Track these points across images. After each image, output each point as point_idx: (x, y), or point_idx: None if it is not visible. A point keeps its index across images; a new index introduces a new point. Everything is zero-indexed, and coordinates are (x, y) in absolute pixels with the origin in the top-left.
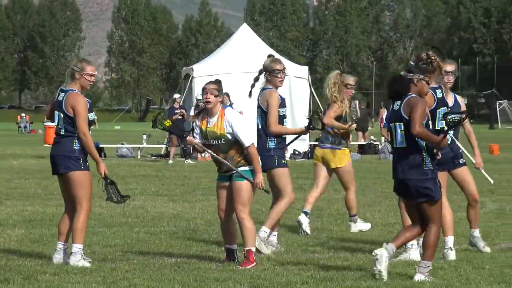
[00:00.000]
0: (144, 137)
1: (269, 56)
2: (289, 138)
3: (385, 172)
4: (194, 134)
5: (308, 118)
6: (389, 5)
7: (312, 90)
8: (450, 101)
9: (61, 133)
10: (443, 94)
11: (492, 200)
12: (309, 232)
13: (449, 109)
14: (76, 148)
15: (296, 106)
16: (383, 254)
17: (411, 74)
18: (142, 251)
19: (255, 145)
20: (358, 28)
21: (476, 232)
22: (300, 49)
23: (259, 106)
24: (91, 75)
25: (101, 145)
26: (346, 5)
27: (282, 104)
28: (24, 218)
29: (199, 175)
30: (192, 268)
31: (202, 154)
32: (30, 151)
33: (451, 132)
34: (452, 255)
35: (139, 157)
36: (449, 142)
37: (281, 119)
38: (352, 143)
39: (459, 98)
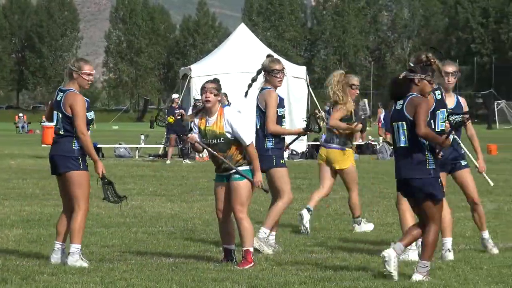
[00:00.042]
0: (142, 137)
1: (268, 56)
2: (288, 138)
3: (383, 172)
4: (193, 134)
5: (306, 120)
6: (387, 5)
7: (310, 90)
8: (452, 102)
9: (60, 133)
10: (442, 96)
11: (490, 200)
12: (308, 228)
13: (450, 110)
14: (75, 148)
15: (294, 106)
16: (391, 255)
17: (413, 74)
18: (140, 251)
19: (254, 144)
20: (356, 28)
21: (485, 234)
22: (298, 49)
23: (257, 106)
24: (89, 74)
25: (99, 145)
26: (344, 5)
27: (281, 104)
28: (22, 218)
29: (197, 175)
30: (190, 268)
31: (200, 154)
32: (28, 151)
33: (455, 136)
34: (450, 257)
35: (137, 157)
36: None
37: (280, 119)
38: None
39: (461, 99)
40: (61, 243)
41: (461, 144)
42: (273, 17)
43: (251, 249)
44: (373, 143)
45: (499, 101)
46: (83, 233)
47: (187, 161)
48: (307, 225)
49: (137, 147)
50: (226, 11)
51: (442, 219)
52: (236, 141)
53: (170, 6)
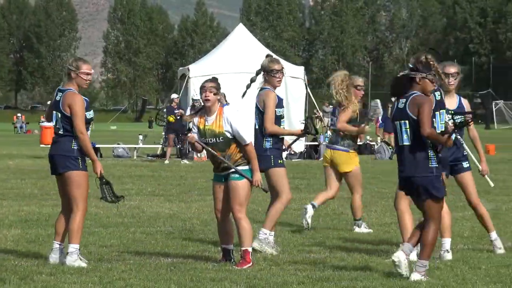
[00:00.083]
0: (140, 137)
1: (267, 56)
2: (289, 138)
3: (381, 172)
4: (193, 134)
5: (303, 123)
6: (385, 5)
7: (308, 90)
8: (454, 103)
9: (60, 132)
10: (441, 97)
11: (488, 200)
12: (309, 222)
13: (451, 112)
14: (74, 147)
15: (292, 106)
16: (401, 258)
17: (414, 73)
18: (138, 251)
19: (253, 144)
20: (354, 28)
21: (492, 235)
22: (296, 49)
23: (256, 106)
24: (87, 74)
25: (97, 145)
26: (342, 5)
27: (280, 104)
28: (20, 218)
29: (195, 175)
30: (188, 268)
31: (198, 154)
32: (26, 151)
33: (459, 136)
34: (448, 257)
35: (135, 157)
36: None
37: (278, 119)
38: None
39: (464, 100)
40: (59, 243)
41: (465, 145)
42: (271, 17)
43: (250, 249)
44: (371, 143)
45: (497, 101)
46: (82, 233)
47: (185, 161)
48: (309, 220)
49: (135, 147)
50: (224, 11)
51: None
52: (235, 141)
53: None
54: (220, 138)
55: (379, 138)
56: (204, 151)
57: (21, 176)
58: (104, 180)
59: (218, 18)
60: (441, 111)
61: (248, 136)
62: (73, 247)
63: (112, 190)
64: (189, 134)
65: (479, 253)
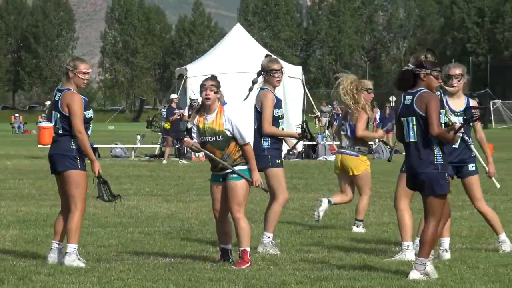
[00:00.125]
0: (138, 137)
1: (267, 56)
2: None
3: (379, 172)
4: (192, 134)
5: (299, 127)
6: (383, 5)
7: (306, 90)
8: (462, 104)
9: (59, 132)
10: (441, 97)
11: (486, 200)
12: (321, 215)
13: (458, 113)
14: (73, 147)
15: (290, 106)
16: (427, 269)
17: (418, 69)
18: (136, 251)
19: (252, 144)
20: (351, 28)
21: (501, 237)
22: (293, 49)
23: (255, 107)
24: (84, 73)
25: (95, 145)
26: (340, 5)
27: (278, 105)
28: (18, 218)
29: (193, 175)
30: (186, 268)
31: (197, 154)
32: (24, 152)
33: (466, 137)
34: (447, 256)
35: (133, 157)
36: (456, 146)
37: (277, 120)
38: None
39: (472, 102)
40: (58, 242)
41: (472, 147)
42: (269, 17)
43: (248, 249)
44: (369, 142)
45: (495, 101)
46: (80, 233)
47: (183, 161)
48: (321, 213)
49: (133, 147)
50: (221, 11)
51: None
52: (235, 139)
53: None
54: (220, 136)
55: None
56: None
57: (19, 176)
58: (101, 180)
59: (216, 18)
60: (441, 110)
61: (247, 136)
62: (72, 247)
63: (109, 190)
64: (185, 139)
65: (477, 252)
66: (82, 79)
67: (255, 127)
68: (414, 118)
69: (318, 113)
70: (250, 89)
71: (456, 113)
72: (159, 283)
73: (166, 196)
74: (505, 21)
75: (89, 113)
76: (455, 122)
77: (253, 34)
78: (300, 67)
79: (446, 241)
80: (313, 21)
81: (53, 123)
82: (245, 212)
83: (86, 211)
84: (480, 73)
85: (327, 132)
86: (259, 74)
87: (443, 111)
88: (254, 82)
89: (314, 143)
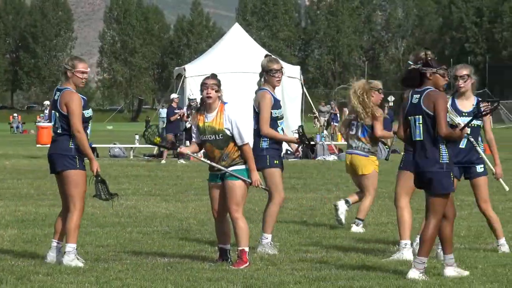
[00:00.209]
0: (137, 137)
1: (266, 56)
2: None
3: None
4: (192, 134)
5: (296, 132)
6: (381, 5)
7: (304, 89)
8: (470, 105)
9: (58, 132)
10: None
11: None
12: (342, 218)
13: (465, 114)
14: (72, 147)
15: (288, 106)
16: (450, 274)
17: (425, 68)
18: (135, 251)
19: (251, 145)
20: (350, 27)
21: (500, 241)
22: (292, 49)
23: (253, 107)
24: (83, 72)
25: (93, 145)
26: (338, 5)
27: (276, 105)
28: (17, 218)
29: (192, 175)
30: (185, 268)
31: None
32: (23, 152)
33: (472, 138)
34: None
35: (131, 157)
36: (463, 146)
37: (275, 120)
38: (345, 143)
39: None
40: (57, 241)
41: (478, 148)
42: (267, 17)
43: (247, 249)
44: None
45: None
46: (79, 233)
47: (182, 161)
48: (342, 216)
49: (131, 147)
50: (220, 11)
51: None
52: (234, 139)
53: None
54: (220, 135)
55: None
56: (202, 151)
57: (18, 176)
58: (99, 178)
59: (214, 18)
60: None
61: (246, 136)
62: (70, 247)
63: (107, 189)
64: (179, 149)
65: (475, 252)
66: (80, 79)
67: (255, 128)
68: (420, 116)
69: (317, 114)
70: (256, 92)
71: (463, 113)
72: (158, 283)
73: (164, 196)
74: (503, 21)
75: (88, 112)
76: (458, 123)
77: (251, 33)
78: (298, 67)
79: None
80: (311, 21)
81: (52, 123)
82: (243, 212)
83: (84, 211)
84: (479, 73)
85: (325, 132)
86: (261, 75)
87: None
88: (259, 85)
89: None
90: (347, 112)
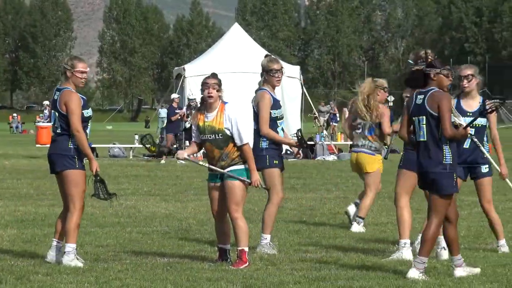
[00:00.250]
0: (136, 137)
1: (266, 56)
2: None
3: None
4: (192, 133)
5: (295, 136)
6: (381, 5)
7: (304, 89)
8: (476, 105)
9: (58, 131)
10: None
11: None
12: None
13: (469, 114)
14: (71, 146)
15: (288, 105)
16: (461, 274)
17: (428, 69)
18: (134, 251)
19: (251, 145)
20: (349, 27)
21: (500, 242)
22: (291, 49)
23: (253, 107)
24: (82, 72)
25: (93, 145)
26: (338, 5)
27: (275, 105)
28: (16, 218)
29: (191, 175)
30: (184, 268)
31: (195, 154)
32: (22, 151)
33: (475, 139)
34: (445, 255)
35: (131, 157)
36: (466, 146)
37: (274, 121)
38: (344, 142)
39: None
40: (58, 240)
41: (482, 149)
42: (267, 17)
43: (246, 249)
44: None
45: None
46: (78, 233)
47: (181, 161)
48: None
49: (131, 147)
50: (219, 11)
51: None
52: (234, 138)
53: (163, 6)
54: (219, 135)
55: None
56: (202, 151)
57: (17, 176)
58: (98, 178)
59: (214, 17)
60: None
61: (246, 136)
62: (70, 247)
63: (106, 188)
64: (176, 154)
65: (475, 252)
66: (80, 79)
67: (255, 128)
68: (424, 117)
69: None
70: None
71: (468, 113)
72: (157, 283)
73: (164, 196)
74: (503, 21)
75: (88, 112)
76: (460, 124)
77: (251, 33)
78: (298, 67)
79: (443, 239)
80: (311, 21)
81: (52, 122)
82: (243, 212)
83: (84, 211)
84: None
85: (325, 132)
86: (262, 75)
87: None
88: (260, 84)
89: (312, 142)
90: (347, 112)
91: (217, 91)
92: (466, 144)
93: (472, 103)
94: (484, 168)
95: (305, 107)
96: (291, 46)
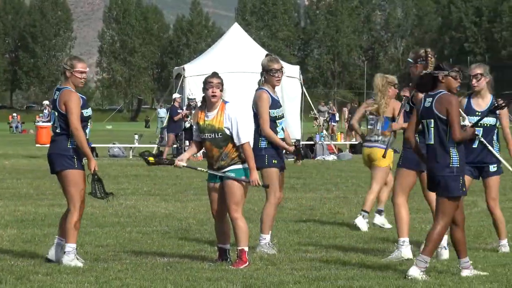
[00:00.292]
0: (136, 137)
1: (267, 55)
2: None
3: None
4: (193, 132)
5: (294, 145)
6: (380, 5)
7: (304, 89)
8: (485, 104)
9: (57, 131)
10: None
11: (484, 199)
12: (386, 224)
13: (478, 113)
14: (70, 146)
15: (288, 105)
16: (468, 274)
17: (436, 71)
18: (134, 251)
19: (251, 144)
20: (349, 27)
21: (502, 241)
22: (291, 49)
23: (252, 107)
24: (81, 72)
25: (93, 145)
26: (337, 5)
27: (275, 105)
28: (16, 218)
29: (191, 175)
30: (184, 267)
31: (194, 154)
32: (22, 151)
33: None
34: (445, 254)
35: (131, 157)
36: (474, 146)
37: (274, 120)
38: (344, 142)
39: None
40: (60, 238)
41: (491, 149)
42: (267, 17)
43: (246, 249)
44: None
45: None
46: (78, 232)
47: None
48: (378, 222)
49: (131, 147)
50: (219, 11)
51: None
52: (233, 138)
53: (163, 6)
54: (219, 134)
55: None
56: (202, 151)
57: (17, 176)
58: (96, 177)
59: (213, 17)
60: None
61: (246, 136)
62: (70, 247)
63: (103, 187)
64: (175, 162)
65: (475, 252)
66: (79, 78)
67: (255, 128)
68: (432, 120)
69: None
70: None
71: (477, 113)
72: (157, 283)
73: (164, 196)
74: (502, 21)
75: (87, 112)
76: (466, 125)
77: (250, 33)
78: (298, 67)
79: (444, 239)
80: (310, 21)
81: (52, 122)
82: (243, 211)
83: (84, 211)
84: None
85: (324, 132)
86: (262, 74)
87: None
88: (260, 84)
89: (312, 142)
90: (347, 112)
91: (220, 90)
92: (475, 144)
93: (482, 103)
94: (493, 167)
95: (304, 107)
96: (290, 46)
